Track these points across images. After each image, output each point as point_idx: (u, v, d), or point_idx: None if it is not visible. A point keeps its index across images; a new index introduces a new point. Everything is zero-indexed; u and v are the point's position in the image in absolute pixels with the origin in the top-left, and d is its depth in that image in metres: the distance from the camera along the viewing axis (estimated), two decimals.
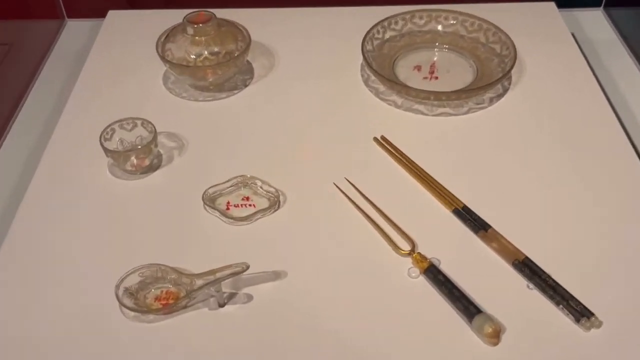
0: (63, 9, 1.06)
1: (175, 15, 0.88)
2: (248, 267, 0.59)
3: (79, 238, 0.68)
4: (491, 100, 0.84)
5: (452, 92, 0.82)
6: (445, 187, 0.72)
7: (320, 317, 0.61)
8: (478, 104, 0.84)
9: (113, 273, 0.62)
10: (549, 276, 0.62)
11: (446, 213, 0.70)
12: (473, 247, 0.67)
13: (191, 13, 0.84)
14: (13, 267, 0.66)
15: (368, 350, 0.59)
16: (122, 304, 0.60)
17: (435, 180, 0.73)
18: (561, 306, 0.60)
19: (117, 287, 0.60)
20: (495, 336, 0.57)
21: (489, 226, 0.67)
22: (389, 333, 0.60)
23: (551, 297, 0.61)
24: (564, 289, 0.61)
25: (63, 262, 0.66)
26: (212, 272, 0.60)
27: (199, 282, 0.60)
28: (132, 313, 0.60)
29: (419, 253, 0.65)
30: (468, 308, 0.59)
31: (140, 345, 0.59)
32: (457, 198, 0.71)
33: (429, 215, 0.70)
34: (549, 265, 0.63)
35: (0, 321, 0.61)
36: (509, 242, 0.66)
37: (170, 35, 0.86)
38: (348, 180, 0.73)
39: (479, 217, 0.68)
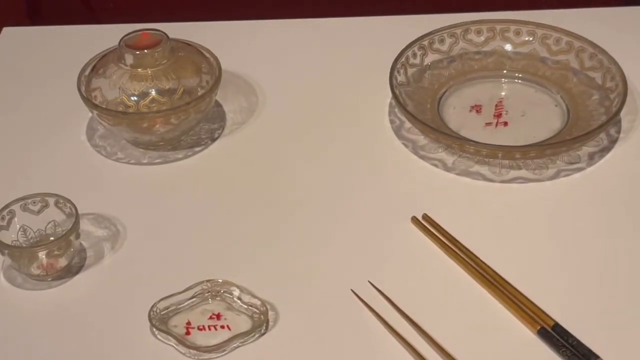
0: None
1: (107, 35, 0.91)
2: None
3: None
4: (591, 158, 0.86)
5: (530, 145, 0.84)
6: (525, 295, 0.73)
7: None
8: (571, 163, 0.85)
9: None
10: None
11: (528, 336, 0.70)
12: None
13: (130, 34, 0.87)
14: None
15: None
16: None
17: (510, 284, 0.74)
18: None
19: None
20: None
21: (596, 356, 0.68)
22: None
23: None
24: None
25: None
26: None
27: None
28: None
29: None
30: None
31: None
32: (543, 312, 0.71)
33: (501, 340, 0.71)
34: None
35: None
36: None
37: (98, 65, 0.89)
38: (373, 285, 0.74)
39: (579, 342, 0.69)
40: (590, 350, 0.68)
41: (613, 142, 0.88)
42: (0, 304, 0.74)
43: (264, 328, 0.71)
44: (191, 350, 0.70)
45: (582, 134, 0.84)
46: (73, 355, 0.70)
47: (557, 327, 0.70)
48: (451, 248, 0.77)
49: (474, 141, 0.84)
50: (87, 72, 0.88)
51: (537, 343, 0.70)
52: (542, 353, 0.69)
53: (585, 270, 0.76)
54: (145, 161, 0.88)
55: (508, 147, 0.84)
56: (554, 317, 0.71)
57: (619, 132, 0.89)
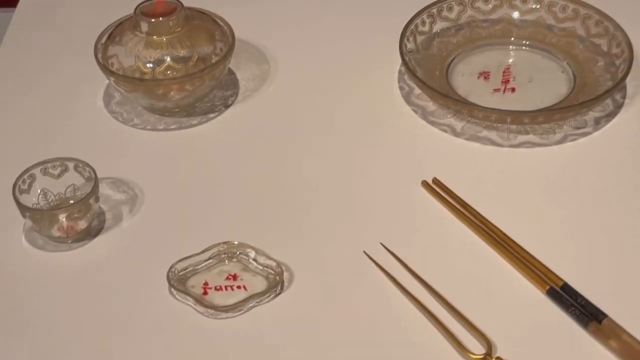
0: None
1: (122, 4, 0.90)
2: None
3: None
4: (597, 122, 0.86)
5: (538, 111, 0.83)
6: (534, 255, 0.73)
7: None
8: (578, 127, 0.85)
9: None
10: None
11: (538, 296, 0.70)
12: (581, 348, 0.67)
13: (146, 2, 0.87)
14: None
15: None
16: None
17: (519, 246, 0.74)
18: None
19: None
20: None
21: (604, 315, 0.68)
22: None
23: None
24: None
25: None
26: None
27: None
28: None
29: (498, 358, 0.65)
30: None
31: None
32: (552, 272, 0.71)
33: (511, 299, 0.70)
34: None
35: None
36: (635, 339, 0.66)
37: (114, 34, 0.88)
38: (385, 247, 0.74)
39: (588, 302, 0.69)
40: (598, 309, 0.68)
41: (619, 107, 0.87)
42: (22, 265, 0.74)
43: (279, 288, 0.71)
44: (209, 310, 0.70)
45: (589, 99, 0.83)
46: (93, 316, 0.70)
47: (565, 287, 0.70)
48: (461, 211, 0.77)
49: (482, 107, 0.83)
50: (103, 40, 0.87)
51: (546, 303, 0.70)
52: (551, 312, 0.69)
53: (593, 232, 0.75)
54: (161, 127, 0.87)
55: (516, 112, 0.83)
56: (562, 277, 0.71)
57: (624, 97, 0.88)
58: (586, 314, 0.68)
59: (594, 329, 0.67)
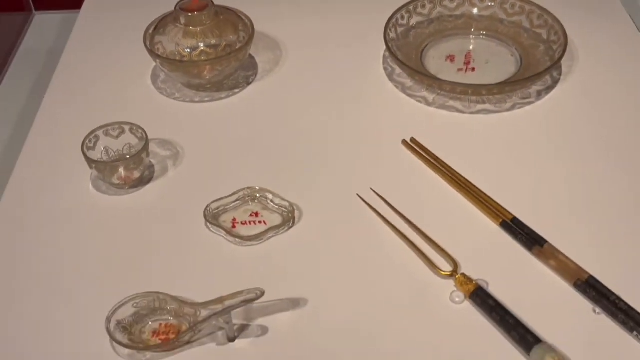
0: (30, 1, 1.08)
1: (165, 3, 0.89)
2: (263, 294, 0.59)
3: (59, 264, 0.68)
4: (539, 94, 0.85)
5: (493, 85, 0.83)
6: (490, 196, 0.72)
7: (346, 352, 0.61)
8: (524, 98, 0.84)
9: (102, 305, 0.62)
10: (619, 298, 0.62)
11: (493, 227, 0.70)
12: (527, 266, 0.67)
13: (184, 0, 0.85)
14: None
15: None
16: (114, 340, 0.59)
17: (478, 189, 0.73)
18: (635, 333, 0.60)
19: (108, 320, 0.60)
20: None
21: (545, 241, 0.68)
22: None
23: (623, 323, 0.61)
24: (638, 312, 0.61)
25: (41, 293, 0.66)
26: (219, 300, 0.60)
27: (205, 312, 0.60)
28: (127, 351, 0.60)
29: (462, 274, 0.65)
30: (525, 337, 0.59)
31: None
32: (504, 209, 0.71)
33: (472, 230, 0.70)
34: (619, 286, 0.63)
35: None
36: (569, 259, 0.66)
37: (159, 25, 0.87)
38: (374, 191, 0.74)
39: (532, 231, 0.69)
40: (540, 237, 0.68)
41: (555, 82, 0.86)
42: (89, 206, 0.74)
43: (292, 223, 0.71)
44: (236, 239, 0.69)
45: (532, 75, 0.82)
46: (147, 244, 0.70)
47: (515, 220, 0.70)
48: (433, 163, 0.76)
49: (449, 82, 0.82)
50: (150, 31, 0.86)
51: (500, 232, 0.70)
52: (503, 239, 0.69)
53: (537, 177, 0.75)
54: (197, 100, 0.86)
55: (476, 85, 0.82)
56: (512, 212, 0.71)
57: (560, 74, 0.87)
58: (531, 240, 0.68)
59: (537, 252, 0.67)
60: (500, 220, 0.70)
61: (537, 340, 0.59)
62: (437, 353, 0.61)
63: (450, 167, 0.76)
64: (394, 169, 0.77)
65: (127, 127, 0.76)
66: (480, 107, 0.83)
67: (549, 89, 0.86)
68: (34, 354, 0.61)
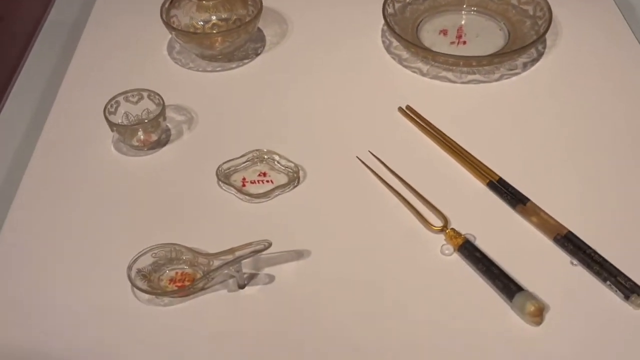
0: None
1: None
2: (270, 245, 0.60)
3: (84, 219, 0.69)
4: (525, 66, 0.84)
5: (483, 57, 0.82)
6: (479, 159, 0.72)
7: (346, 299, 0.61)
8: (511, 69, 0.83)
9: (123, 255, 0.63)
10: (594, 251, 0.62)
11: (480, 187, 0.70)
12: (511, 222, 0.67)
13: None
14: (15, 253, 0.66)
15: (399, 333, 0.59)
16: (135, 286, 0.60)
17: (467, 152, 0.73)
18: (609, 282, 0.60)
19: (129, 268, 0.61)
20: (538, 315, 0.58)
21: (528, 199, 0.68)
22: (421, 314, 0.60)
23: (597, 273, 0.61)
24: (611, 264, 0.61)
25: (68, 245, 0.66)
26: (230, 251, 0.60)
27: (217, 262, 0.61)
28: (146, 296, 0.61)
29: (452, 229, 0.65)
30: (508, 286, 0.60)
31: (155, 329, 0.59)
32: (491, 170, 0.71)
33: (461, 189, 0.70)
34: (594, 240, 0.64)
35: (3, 310, 0.62)
36: (549, 216, 0.66)
37: (174, 0, 0.86)
38: (372, 154, 0.74)
39: (516, 190, 0.69)
40: (524, 196, 0.68)
41: (540, 55, 0.86)
42: (111, 166, 0.74)
43: (297, 182, 0.71)
44: (246, 197, 0.70)
45: (519, 48, 0.82)
46: (164, 201, 0.70)
47: (500, 180, 0.70)
48: (426, 128, 0.76)
49: (442, 53, 0.82)
50: (166, 5, 0.85)
51: (486, 191, 0.70)
52: (490, 198, 0.69)
53: (522, 139, 0.75)
54: (209, 69, 0.85)
55: (467, 57, 0.81)
56: (498, 173, 0.71)
57: (544, 48, 0.86)
58: (515, 198, 0.68)
59: (520, 209, 0.67)
60: (487, 181, 0.70)
61: (519, 288, 0.60)
62: (429, 300, 0.61)
63: (442, 132, 0.75)
64: (391, 134, 0.76)
65: (145, 94, 0.76)
66: (470, 77, 0.83)
67: (534, 61, 0.85)
68: (61, 301, 0.62)
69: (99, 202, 0.70)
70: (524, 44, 0.83)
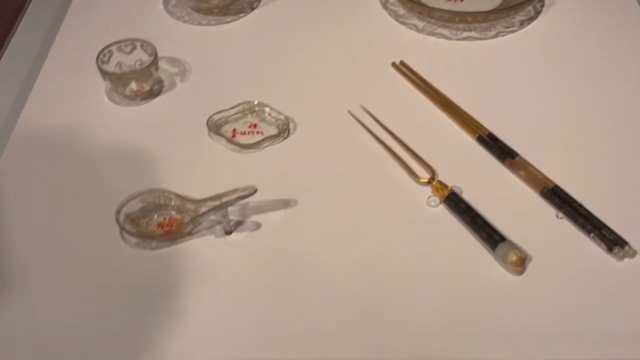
0: None
1: None
2: (256, 191, 0.60)
3: (76, 164, 0.70)
4: (522, 24, 0.84)
5: (479, 12, 0.82)
6: (470, 114, 0.73)
7: (332, 247, 0.62)
8: (507, 27, 0.83)
9: (113, 201, 0.64)
10: (580, 204, 0.63)
11: (470, 141, 0.71)
12: (499, 176, 0.68)
13: None
14: (7, 199, 0.67)
15: (384, 280, 0.60)
16: (123, 229, 0.61)
17: (459, 108, 0.73)
18: (592, 235, 0.61)
19: (118, 212, 0.62)
20: (521, 264, 0.59)
21: (516, 154, 0.68)
22: (406, 264, 0.61)
23: (582, 226, 0.62)
24: (595, 217, 0.62)
25: (59, 189, 0.68)
26: (218, 196, 0.61)
27: (204, 208, 0.62)
28: (134, 239, 0.62)
29: (439, 181, 0.66)
30: (492, 236, 0.61)
31: (143, 272, 0.61)
32: (482, 125, 0.71)
33: (451, 143, 0.71)
34: (580, 194, 0.64)
35: None
36: (537, 170, 0.67)
37: None
38: (364, 108, 0.74)
39: (505, 145, 0.69)
40: (512, 150, 0.69)
41: (538, 13, 0.85)
42: (104, 116, 0.75)
43: (286, 134, 0.72)
44: (236, 148, 0.70)
45: (516, 4, 0.82)
46: (155, 150, 0.71)
47: (490, 135, 0.70)
48: (419, 84, 0.76)
49: (439, 9, 0.82)
50: None
51: (476, 146, 0.70)
52: (479, 152, 0.70)
53: (514, 96, 0.75)
54: (204, 23, 0.86)
55: (463, 12, 0.81)
56: (488, 128, 0.71)
57: (542, 6, 0.86)
58: (504, 153, 0.68)
59: (508, 163, 0.68)
60: (477, 135, 0.70)
61: (502, 238, 0.60)
62: (413, 250, 0.62)
63: (435, 88, 0.76)
64: (384, 89, 0.77)
65: (138, 44, 0.76)
66: (466, 34, 0.83)
67: (531, 19, 0.85)
68: (52, 243, 0.63)
69: (92, 149, 0.71)
70: (521, 1, 0.83)
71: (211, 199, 0.62)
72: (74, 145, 0.72)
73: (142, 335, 0.57)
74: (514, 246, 0.60)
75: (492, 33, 0.83)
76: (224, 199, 0.61)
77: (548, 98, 0.75)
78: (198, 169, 0.69)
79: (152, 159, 0.70)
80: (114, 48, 0.76)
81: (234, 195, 0.61)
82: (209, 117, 0.72)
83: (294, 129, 0.73)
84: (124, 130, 0.73)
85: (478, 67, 0.79)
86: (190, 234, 0.63)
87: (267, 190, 0.65)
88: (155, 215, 0.64)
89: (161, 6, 0.88)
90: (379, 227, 0.64)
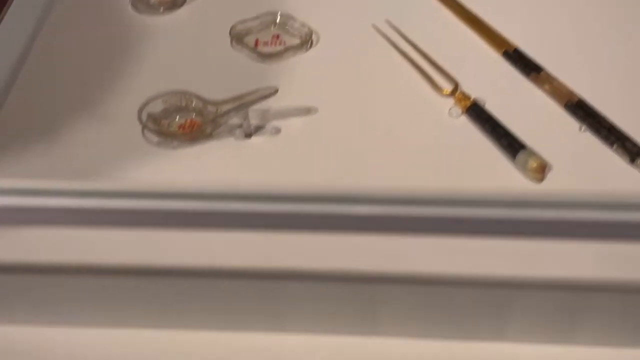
0: None
1: None
2: (277, 91, 0.61)
3: (99, 71, 0.70)
4: None
5: None
6: (497, 30, 0.72)
7: (352, 155, 0.63)
8: None
9: (136, 102, 0.65)
10: (604, 118, 0.63)
11: (495, 56, 0.70)
12: (523, 90, 0.67)
13: None
14: (30, 102, 0.69)
15: (401, 183, 0.60)
16: (145, 126, 0.62)
17: (485, 22, 0.73)
18: (615, 146, 0.61)
19: (140, 111, 0.63)
20: (540, 171, 0.58)
21: (542, 68, 0.67)
22: (426, 173, 0.61)
23: (605, 138, 0.61)
24: (619, 129, 0.62)
25: (82, 90, 0.69)
26: (238, 97, 0.62)
27: (225, 108, 0.62)
28: (156, 138, 0.63)
29: (462, 92, 0.66)
30: (512, 144, 0.60)
31: (164, 169, 0.62)
32: (508, 41, 0.71)
33: (476, 57, 0.70)
34: (606, 108, 0.64)
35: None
36: (562, 84, 0.66)
37: None
38: (389, 22, 0.73)
39: (531, 60, 0.68)
40: (538, 65, 0.68)
41: None
42: (129, 23, 0.75)
43: (309, 45, 0.72)
44: (258, 57, 0.71)
45: None
46: (180, 54, 0.72)
47: (516, 51, 0.70)
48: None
49: None
50: None
51: (501, 60, 0.70)
52: (503, 67, 0.69)
53: (542, 14, 0.74)
54: None
55: None
56: (515, 43, 0.70)
57: None
58: (529, 67, 0.68)
59: (533, 77, 0.67)
60: (503, 50, 0.70)
61: (523, 146, 0.60)
62: (434, 158, 0.62)
63: (461, 3, 0.75)
64: (409, 4, 0.76)
65: None
66: None
67: None
68: (80, 138, 0.65)
69: (114, 56, 0.72)
70: None
71: (232, 99, 0.63)
72: (97, 50, 0.72)
73: None
74: (534, 153, 0.59)
75: None
76: (245, 99, 0.61)
77: (577, 12, 0.74)
78: (220, 78, 0.69)
79: (174, 66, 0.70)
80: None
81: (255, 96, 0.61)
82: (232, 27, 0.72)
83: (318, 41, 0.72)
84: (149, 38, 0.73)
85: None
86: (210, 135, 0.63)
87: (288, 98, 0.65)
88: (177, 117, 0.64)
89: None
90: (399, 135, 0.64)
